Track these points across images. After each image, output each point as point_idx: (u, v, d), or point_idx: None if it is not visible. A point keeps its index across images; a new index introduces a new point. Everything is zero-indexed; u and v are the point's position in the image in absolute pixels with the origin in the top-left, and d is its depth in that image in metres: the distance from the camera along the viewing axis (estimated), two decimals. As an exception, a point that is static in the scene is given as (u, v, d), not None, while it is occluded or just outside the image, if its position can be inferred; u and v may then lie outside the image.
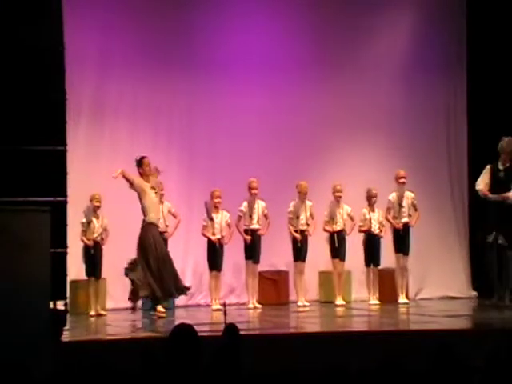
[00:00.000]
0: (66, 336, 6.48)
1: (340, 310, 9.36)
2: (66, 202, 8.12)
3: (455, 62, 10.71)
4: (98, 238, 9.07)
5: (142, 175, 8.48)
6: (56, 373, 4.82)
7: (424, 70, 10.56)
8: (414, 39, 10.62)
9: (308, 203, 9.77)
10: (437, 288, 10.34)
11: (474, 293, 10.48)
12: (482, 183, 9.12)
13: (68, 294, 8.77)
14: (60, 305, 7.46)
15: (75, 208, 8.80)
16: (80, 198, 8.99)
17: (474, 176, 10.64)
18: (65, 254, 8.05)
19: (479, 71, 10.51)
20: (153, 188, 8.51)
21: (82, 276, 9.13)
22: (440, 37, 10.62)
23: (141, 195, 8.43)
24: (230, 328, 4.51)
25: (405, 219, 9.71)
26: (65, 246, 8.00)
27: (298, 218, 9.69)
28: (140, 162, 8.49)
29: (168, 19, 9.97)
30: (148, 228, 8.43)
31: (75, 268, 9.03)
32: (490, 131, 10.37)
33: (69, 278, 8.84)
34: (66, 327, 6.66)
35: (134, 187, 8.45)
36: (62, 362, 5.43)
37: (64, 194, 8.08)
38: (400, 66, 10.64)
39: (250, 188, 9.63)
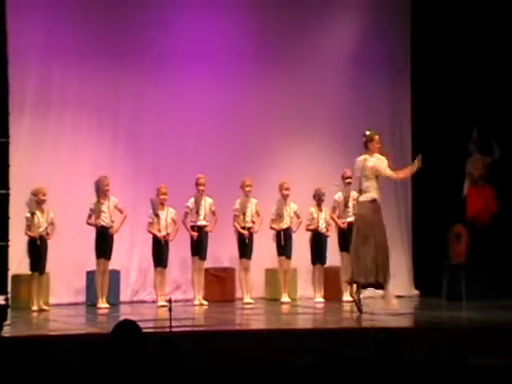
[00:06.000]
0: (6, 331, 6.37)
1: (285, 307, 9.40)
2: (8, 195, 7.97)
3: (400, 63, 10.83)
4: (44, 233, 8.92)
5: (372, 151, 8.26)
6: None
7: (369, 70, 10.66)
8: (361, 40, 10.71)
9: (253, 200, 9.78)
10: (380, 286, 10.45)
11: (416, 291, 10.64)
12: None
13: (9, 289, 8.62)
14: (1, 299, 7.33)
15: (17, 201, 8.64)
16: (22, 190, 8.84)
17: (416, 176, 10.80)
18: (6, 247, 7.90)
19: (423, 71, 10.68)
20: None
21: (24, 270, 8.98)
22: (386, 38, 10.74)
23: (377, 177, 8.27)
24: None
25: (350, 218, 9.79)
26: (6, 239, 7.86)
27: (244, 214, 9.70)
28: (371, 138, 8.22)
29: (116, 14, 9.86)
30: (369, 206, 8.24)
31: (17, 262, 8.88)
32: (434, 129, 10.57)
33: (10, 272, 8.69)
34: (7, 322, 6.55)
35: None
36: (2, 357, 5.33)
37: (6, 186, 7.93)
38: (346, 66, 10.72)
39: (198, 184, 9.60)
